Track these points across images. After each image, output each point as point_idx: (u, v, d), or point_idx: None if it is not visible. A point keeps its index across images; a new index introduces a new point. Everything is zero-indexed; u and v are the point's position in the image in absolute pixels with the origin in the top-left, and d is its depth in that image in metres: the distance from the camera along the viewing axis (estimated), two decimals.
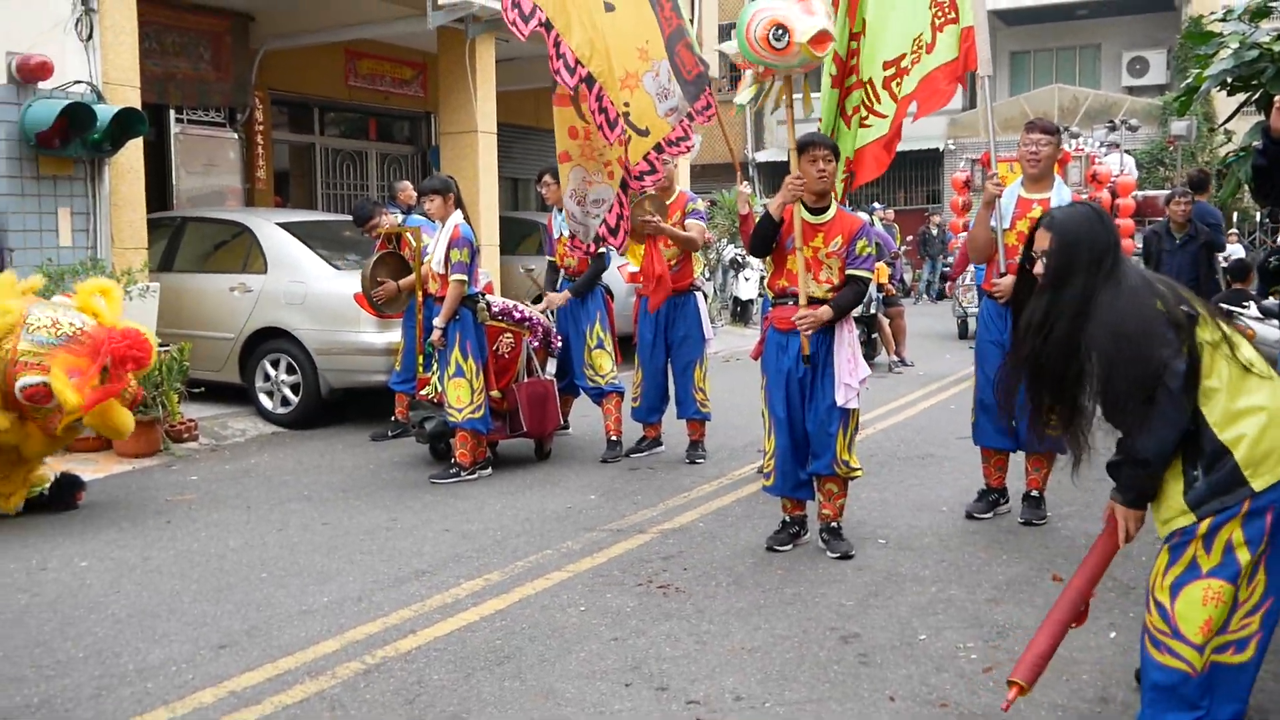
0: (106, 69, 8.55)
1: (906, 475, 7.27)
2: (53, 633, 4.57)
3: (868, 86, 6.05)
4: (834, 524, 5.59)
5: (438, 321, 7.11)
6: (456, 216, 7.20)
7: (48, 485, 6.52)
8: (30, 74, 7.93)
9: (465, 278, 7.01)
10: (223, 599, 4.97)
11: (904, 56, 5.99)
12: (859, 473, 5.57)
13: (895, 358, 12.52)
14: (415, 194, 10.84)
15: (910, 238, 22.13)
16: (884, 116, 6.08)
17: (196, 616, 4.75)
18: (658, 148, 6.61)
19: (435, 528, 6.10)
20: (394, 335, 8.56)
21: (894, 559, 5.47)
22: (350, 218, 9.35)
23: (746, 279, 16.58)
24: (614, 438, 7.72)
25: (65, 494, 6.54)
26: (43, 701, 3.92)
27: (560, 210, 7.77)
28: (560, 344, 7.79)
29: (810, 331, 5.30)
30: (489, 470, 7.31)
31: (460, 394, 7.06)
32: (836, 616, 4.69)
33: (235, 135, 13.48)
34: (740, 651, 4.31)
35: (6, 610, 4.84)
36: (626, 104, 6.41)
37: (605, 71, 6.40)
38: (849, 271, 5.38)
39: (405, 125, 16.39)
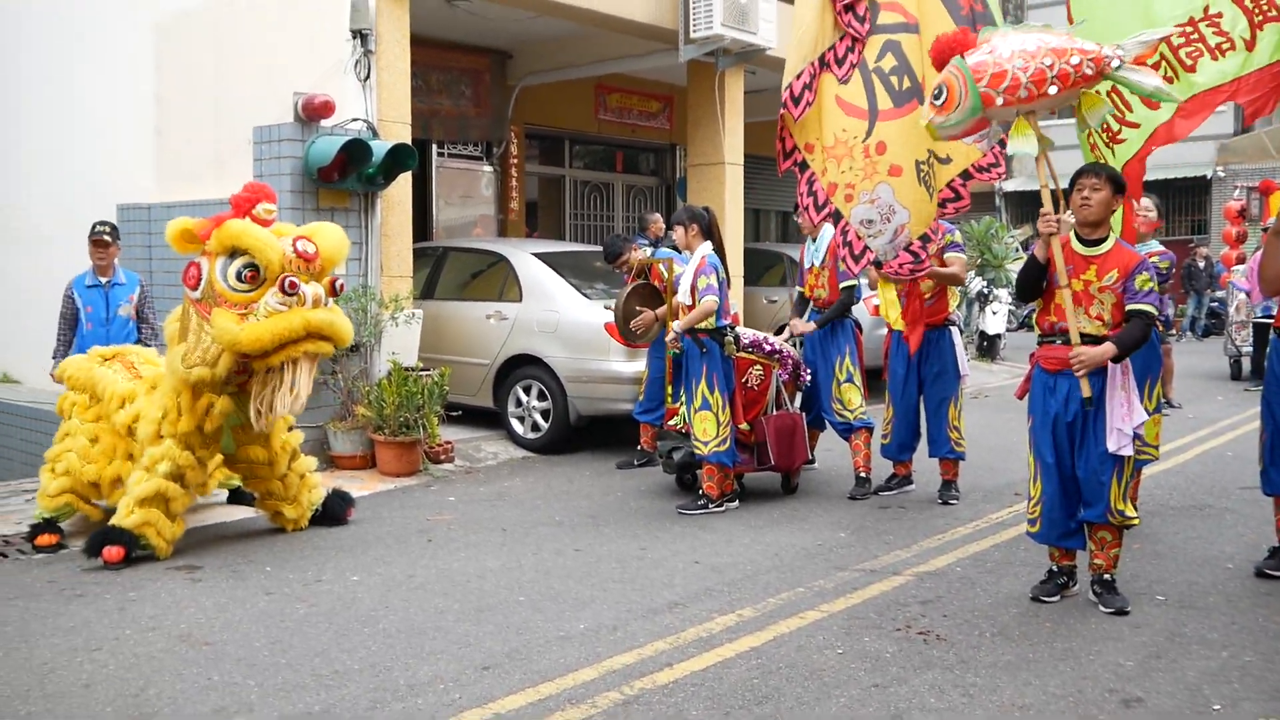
0: (381, 107, 9.05)
1: (1182, 526, 6.76)
2: (329, 643, 4.80)
3: (1111, 97, 5.61)
4: (1107, 576, 5.24)
5: (677, 325, 7.16)
6: (705, 247, 7.21)
7: (321, 502, 6.87)
8: (314, 113, 8.48)
9: (716, 297, 7.00)
10: (484, 620, 5.10)
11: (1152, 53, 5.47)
12: (1135, 521, 5.22)
13: (1163, 400, 11.72)
14: (663, 226, 11.00)
15: (1174, 270, 20.78)
16: (1136, 126, 5.69)
17: (460, 636, 4.88)
18: (964, 175, 6.35)
19: (685, 559, 6.09)
20: (639, 365, 8.66)
21: (1176, 618, 5.07)
22: (600, 249, 9.54)
23: (994, 312, 15.99)
24: (863, 474, 7.53)
25: (337, 510, 6.90)
26: (324, 710, 4.10)
27: (814, 240, 7.68)
28: (810, 377, 7.68)
29: (1084, 372, 5.00)
30: (736, 503, 7.27)
31: (706, 427, 7.05)
32: (1115, 677, 4.37)
33: (491, 168, 14.04)
34: (1011, 709, 4.08)
35: (287, 619, 5.12)
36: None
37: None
38: (1130, 307, 5.04)
39: (651, 157, 16.68)
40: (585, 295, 9.31)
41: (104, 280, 7.59)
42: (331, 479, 8.05)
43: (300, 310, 5.81)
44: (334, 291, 6.02)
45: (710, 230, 7.34)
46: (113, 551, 5.90)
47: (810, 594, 5.43)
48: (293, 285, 5.76)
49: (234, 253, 5.81)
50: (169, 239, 5.97)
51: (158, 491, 5.98)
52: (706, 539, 6.52)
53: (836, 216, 6.30)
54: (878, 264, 6.50)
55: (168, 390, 6.16)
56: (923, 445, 7.50)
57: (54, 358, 7.62)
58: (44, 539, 6.39)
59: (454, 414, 8.98)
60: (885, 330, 7.67)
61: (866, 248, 6.28)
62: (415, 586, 5.63)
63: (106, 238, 7.57)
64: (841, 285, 7.55)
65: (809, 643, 4.75)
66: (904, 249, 6.30)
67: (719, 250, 7.31)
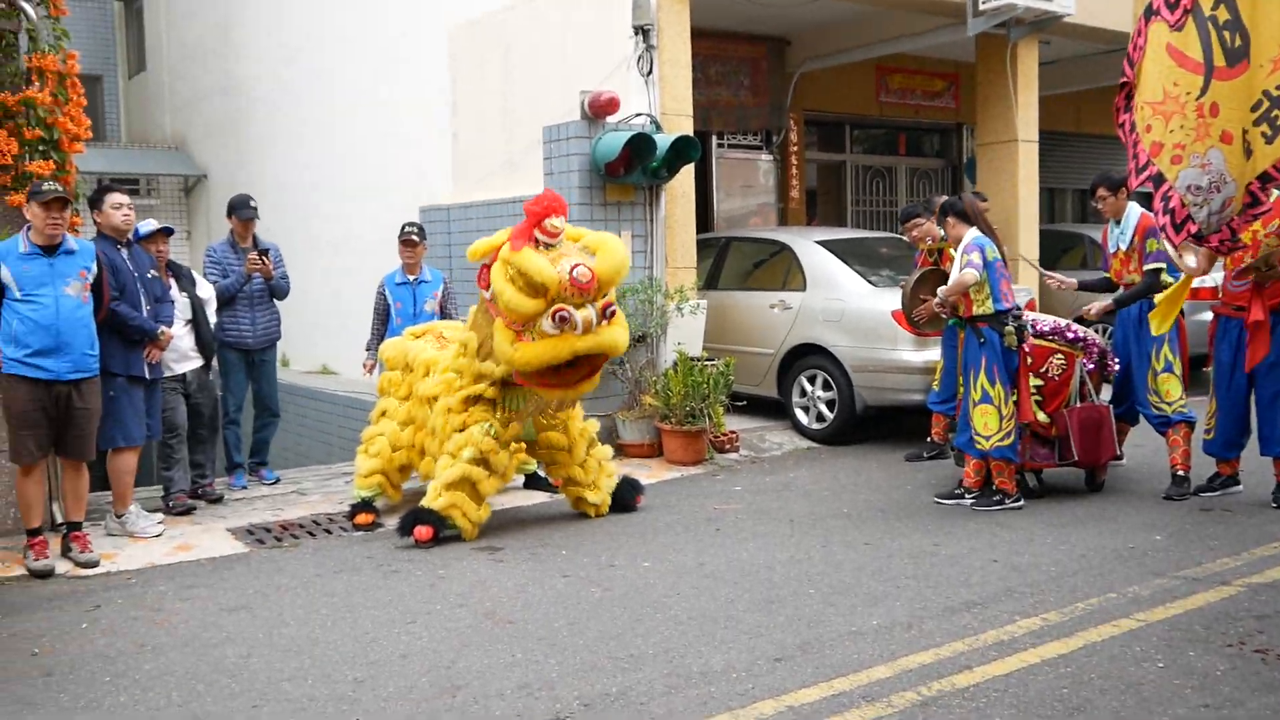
0: (664, 101, 9.17)
1: None
2: (624, 627, 4.88)
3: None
4: None
5: (934, 304, 7.04)
6: (970, 233, 6.86)
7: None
8: (600, 110, 8.68)
9: (976, 271, 6.66)
10: (774, 611, 5.05)
11: None
12: None
13: None
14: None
15: None
16: None
17: (751, 626, 4.86)
18: None
19: (982, 557, 5.82)
20: (932, 354, 8.37)
21: None
22: (886, 233, 9.29)
23: None
24: (1180, 472, 6.95)
25: (627, 496, 7.04)
26: (620, 692, 4.17)
27: (1118, 222, 7.17)
28: (1117, 366, 7.17)
29: None
30: (1021, 503, 6.87)
31: (988, 421, 6.72)
32: None
33: (770, 157, 13.98)
34: None
35: (584, 602, 5.25)
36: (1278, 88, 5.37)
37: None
38: None
39: (935, 138, 16.13)
40: (871, 283, 9.09)
41: (411, 278, 8.06)
42: (619, 467, 8.21)
43: (569, 339, 6.02)
44: (604, 317, 6.14)
45: (970, 215, 6.96)
46: (423, 531, 6.26)
47: (1123, 600, 5.05)
48: (563, 319, 5.97)
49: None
50: (470, 257, 6.31)
51: (464, 476, 6.29)
52: (1005, 537, 6.21)
53: (1158, 180, 5.60)
54: (1198, 237, 5.83)
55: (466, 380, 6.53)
56: (1253, 443, 6.81)
57: (367, 350, 8.19)
58: (362, 518, 6.86)
59: (738, 403, 8.99)
60: (1210, 315, 7.02)
61: (1190, 217, 5.59)
62: (705, 575, 5.65)
63: (415, 238, 8.05)
64: (1146, 268, 6.99)
65: (1124, 653, 4.42)
66: (1226, 224, 5.68)
67: (989, 235, 6.93)
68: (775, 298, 9.60)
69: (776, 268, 9.89)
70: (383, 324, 8.11)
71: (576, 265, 6.00)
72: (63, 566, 6.03)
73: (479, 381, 6.45)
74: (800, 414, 9.39)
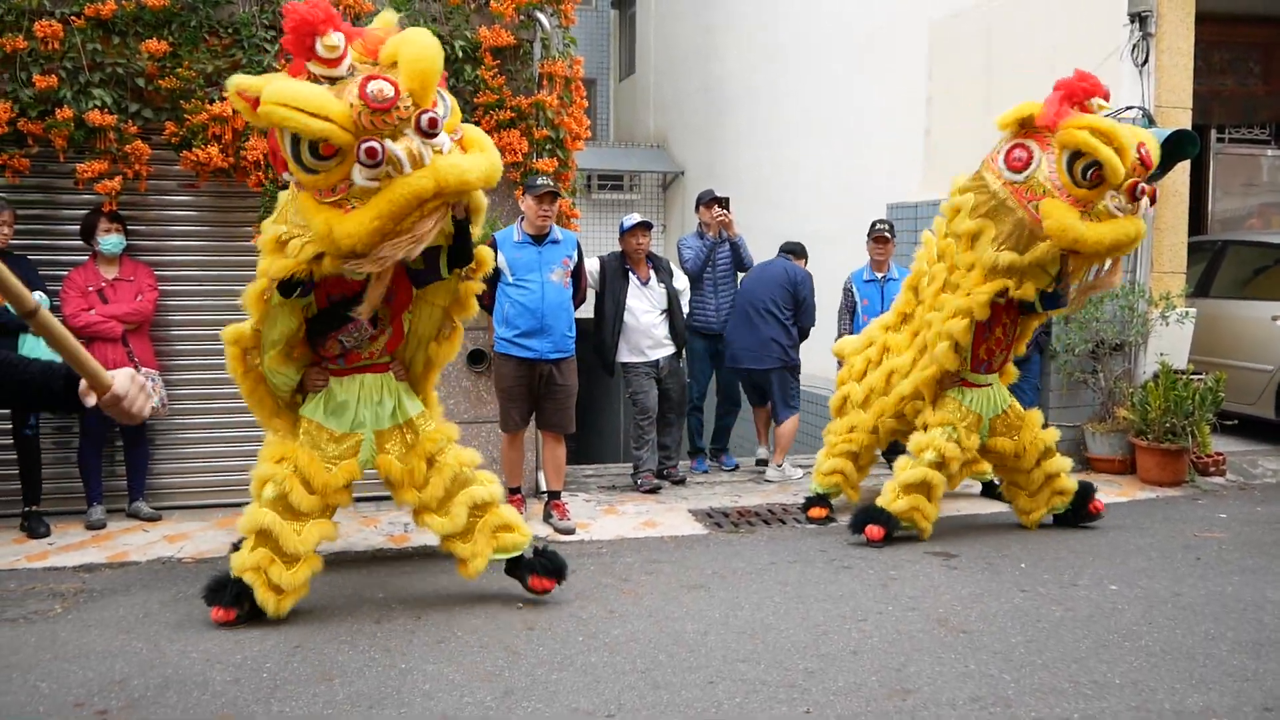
0: (1159, 92, 8.50)
1: None
2: (1087, 652, 4.61)
3: None
4: None
5: None
6: None
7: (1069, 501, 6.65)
8: None
9: None
10: (1264, 655, 4.56)
11: None
12: None
13: None
14: None
15: None
16: None
17: (1236, 669, 4.41)
18: None
19: None
20: None
21: None
22: None
23: None
24: None
25: (1082, 505, 6.62)
26: (1083, 719, 3.96)
27: None
28: None
29: None
30: None
31: None
32: None
33: (1279, 152, 12.50)
34: None
35: (1043, 620, 5.02)
36: None
37: None
38: None
39: None
40: None
41: (879, 275, 8.06)
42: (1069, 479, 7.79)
43: (1137, 222, 5.64)
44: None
45: None
46: (874, 530, 6.27)
47: None
48: (1142, 192, 5.58)
49: (1076, 153, 5.62)
50: (1002, 122, 5.93)
51: (923, 479, 6.22)
52: None
53: None
54: None
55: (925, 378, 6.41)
56: None
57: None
58: (816, 511, 6.98)
59: (1227, 423, 8.16)
60: None
61: None
62: (1181, 606, 5.20)
63: (887, 234, 8.04)
64: None
65: None
66: None
67: None
68: (1278, 308, 8.59)
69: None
70: (849, 321, 8.19)
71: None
72: (544, 531, 6.65)
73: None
74: None
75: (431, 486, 5.18)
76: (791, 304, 7.98)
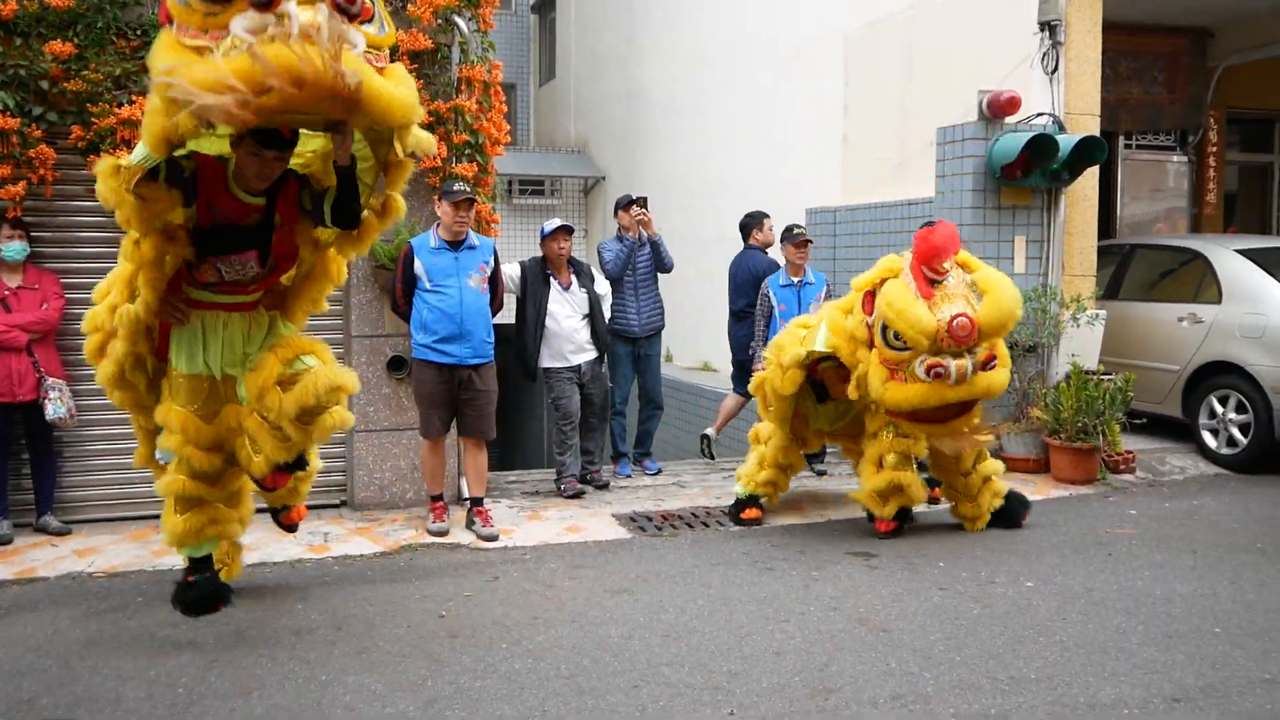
0: (1069, 99, 8.71)
1: None
2: (1004, 648, 4.70)
3: None
4: None
5: None
6: None
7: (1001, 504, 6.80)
8: (999, 110, 8.36)
9: None
10: (1172, 647, 4.68)
11: None
12: None
13: None
14: None
15: None
16: None
17: (1146, 661, 4.53)
18: None
19: None
20: None
21: None
22: None
23: None
24: None
25: (1014, 512, 6.76)
26: (999, 714, 4.02)
27: None
28: None
29: None
30: None
31: None
32: None
33: (1184, 158, 12.90)
34: None
35: (962, 617, 5.10)
36: None
37: None
38: None
39: None
40: None
41: (796, 280, 8.13)
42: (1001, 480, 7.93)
43: (941, 388, 5.80)
44: (983, 368, 5.82)
45: None
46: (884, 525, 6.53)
47: None
48: (936, 372, 5.75)
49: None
50: (853, 289, 6.27)
51: (890, 483, 6.37)
52: None
53: None
54: None
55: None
56: None
57: (749, 352, 8.36)
58: (749, 514, 7.01)
59: (1136, 422, 8.38)
60: None
61: None
62: (1094, 601, 5.32)
63: (807, 237, 8.11)
64: None
65: None
66: None
67: None
68: (1184, 310, 8.86)
69: (1187, 278, 9.11)
70: (767, 325, 8.25)
71: (958, 316, 5.66)
72: (466, 538, 6.61)
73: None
74: (1208, 437, 8.61)
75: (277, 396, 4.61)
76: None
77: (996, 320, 5.75)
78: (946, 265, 5.85)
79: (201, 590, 5.17)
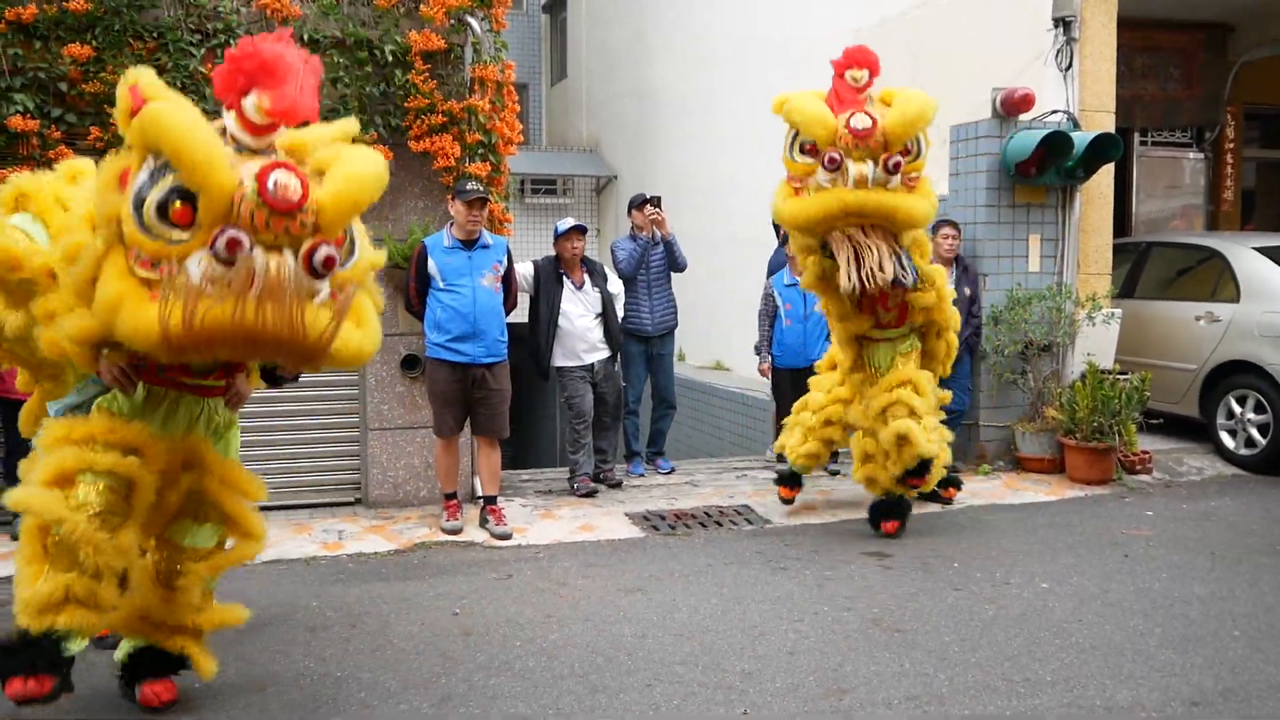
0: (1084, 96, 8.66)
1: None
2: (1019, 649, 4.68)
3: None
4: None
5: None
6: None
7: None
8: (1013, 107, 8.32)
9: None
10: (1190, 650, 4.65)
11: None
12: None
13: None
14: None
15: None
16: None
17: (1163, 664, 4.50)
18: None
19: None
20: None
21: None
22: None
23: None
24: None
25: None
26: (1014, 716, 4.00)
27: None
28: None
29: None
30: None
31: None
32: None
33: (1200, 155, 12.82)
34: None
35: (976, 618, 5.08)
36: None
37: None
38: None
39: None
40: None
41: (800, 279, 8.09)
42: (1018, 481, 7.92)
43: (838, 191, 5.55)
44: (889, 170, 5.47)
45: None
46: (889, 525, 6.51)
47: None
48: (833, 162, 5.52)
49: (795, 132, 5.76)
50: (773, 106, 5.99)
51: (904, 432, 6.21)
52: None
53: None
54: None
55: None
56: None
57: (756, 352, 8.34)
58: (785, 491, 7.13)
59: (1153, 422, 8.33)
60: None
61: None
62: (1110, 603, 5.29)
63: None
64: None
65: None
66: None
67: None
68: (1201, 309, 8.80)
69: (1204, 276, 9.06)
70: (770, 326, 8.21)
71: (857, 113, 5.48)
72: (480, 536, 6.61)
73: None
74: (1226, 437, 8.56)
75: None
76: None
77: (900, 122, 5.48)
78: (862, 77, 5.67)
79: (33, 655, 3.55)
